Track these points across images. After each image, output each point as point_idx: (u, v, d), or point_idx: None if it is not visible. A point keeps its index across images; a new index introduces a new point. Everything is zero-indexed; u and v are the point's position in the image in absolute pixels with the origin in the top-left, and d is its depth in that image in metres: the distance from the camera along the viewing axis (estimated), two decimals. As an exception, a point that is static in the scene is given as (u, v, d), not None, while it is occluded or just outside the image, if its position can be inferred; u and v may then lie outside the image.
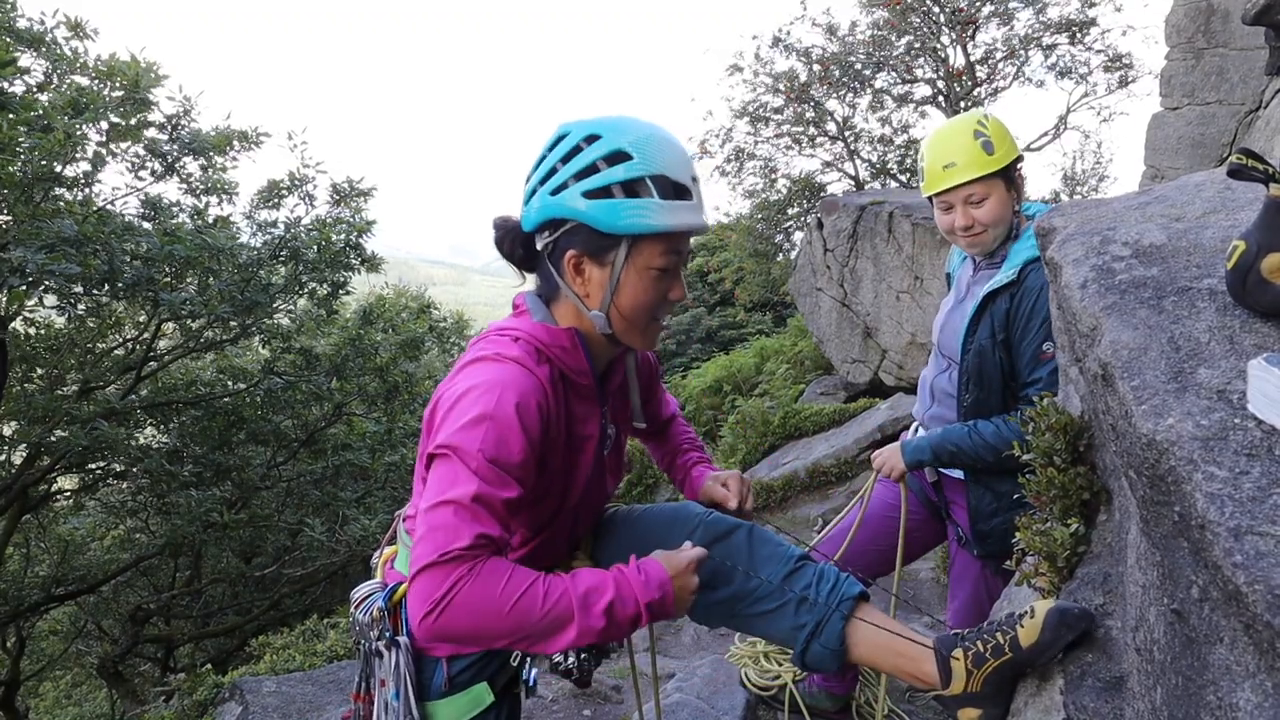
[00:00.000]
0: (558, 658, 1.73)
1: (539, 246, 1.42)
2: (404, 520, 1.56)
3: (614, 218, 1.31)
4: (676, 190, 1.33)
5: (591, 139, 1.33)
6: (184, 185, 7.39)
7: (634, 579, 1.29)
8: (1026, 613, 1.40)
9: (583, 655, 1.76)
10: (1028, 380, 2.04)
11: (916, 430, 2.43)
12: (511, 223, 1.47)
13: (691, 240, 1.43)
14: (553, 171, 1.35)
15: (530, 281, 1.51)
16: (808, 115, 12.62)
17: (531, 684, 1.60)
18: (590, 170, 1.32)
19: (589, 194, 1.31)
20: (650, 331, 1.45)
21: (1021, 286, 2.03)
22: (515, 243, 1.45)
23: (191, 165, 7.34)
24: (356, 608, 1.52)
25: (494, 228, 1.48)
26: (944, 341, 2.30)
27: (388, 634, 1.46)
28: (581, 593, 1.23)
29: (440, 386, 1.37)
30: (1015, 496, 1.79)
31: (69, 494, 9.40)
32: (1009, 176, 2.11)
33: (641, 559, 1.34)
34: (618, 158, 1.31)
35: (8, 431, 7.53)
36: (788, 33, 12.20)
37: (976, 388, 2.15)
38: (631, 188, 1.31)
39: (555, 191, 1.34)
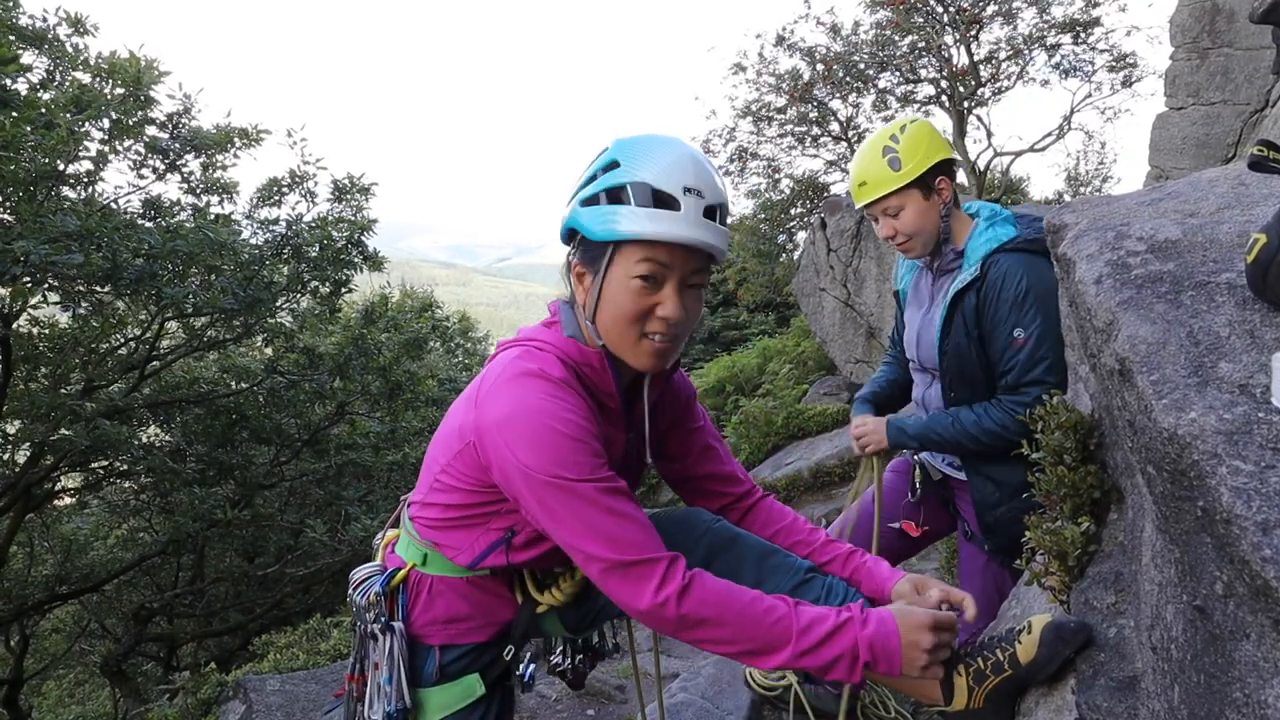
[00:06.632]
0: (555, 658, 1.73)
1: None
2: (409, 505, 1.56)
3: (594, 223, 1.33)
4: (657, 198, 1.30)
5: (604, 152, 1.37)
6: (185, 184, 7.38)
7: (858, 617, 1.29)
8: (1024, 628, 1.40)
9: (578, 657, 1.75)
10: (1004, 369, 2.07)
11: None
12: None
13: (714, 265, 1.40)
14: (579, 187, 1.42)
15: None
16: (811, 115, 12.62)
17: (527, 678, 1.60)
18: (590, 180, 1.36)
19: (584, 202, 1.36)
20: (641, 349, 1.37)
21: (985, 281, 2.08)
22: None
23: (193, 163, 7.33)
24: (355, 589, 1.53)
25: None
26: (922, 354, 2.33)
27: (383, 618, 1.47)
28: (805, 622, 1.28)
29: (480, 395, 1.36)
30: (1022, 490, 1.79)
31: (72, 493, 9.40)
32: (925, 185, 2.14)
33: (875, 609, 1.33)
34: (610, 166, 1.34)
35: (11, 430, 7.53)
36: (791, 32, 12.20)
37: (961, 387, 2.18)
38: (615, 194, 1.32)
39: (569, 203, 1.40)
